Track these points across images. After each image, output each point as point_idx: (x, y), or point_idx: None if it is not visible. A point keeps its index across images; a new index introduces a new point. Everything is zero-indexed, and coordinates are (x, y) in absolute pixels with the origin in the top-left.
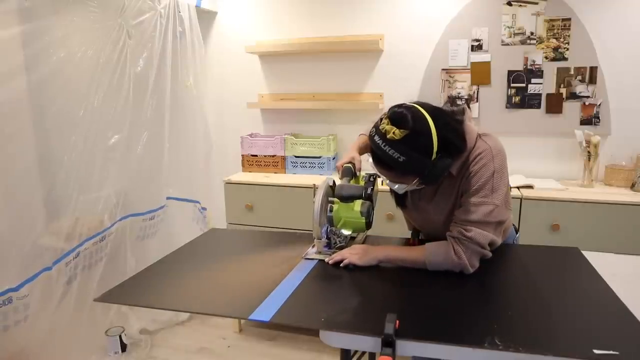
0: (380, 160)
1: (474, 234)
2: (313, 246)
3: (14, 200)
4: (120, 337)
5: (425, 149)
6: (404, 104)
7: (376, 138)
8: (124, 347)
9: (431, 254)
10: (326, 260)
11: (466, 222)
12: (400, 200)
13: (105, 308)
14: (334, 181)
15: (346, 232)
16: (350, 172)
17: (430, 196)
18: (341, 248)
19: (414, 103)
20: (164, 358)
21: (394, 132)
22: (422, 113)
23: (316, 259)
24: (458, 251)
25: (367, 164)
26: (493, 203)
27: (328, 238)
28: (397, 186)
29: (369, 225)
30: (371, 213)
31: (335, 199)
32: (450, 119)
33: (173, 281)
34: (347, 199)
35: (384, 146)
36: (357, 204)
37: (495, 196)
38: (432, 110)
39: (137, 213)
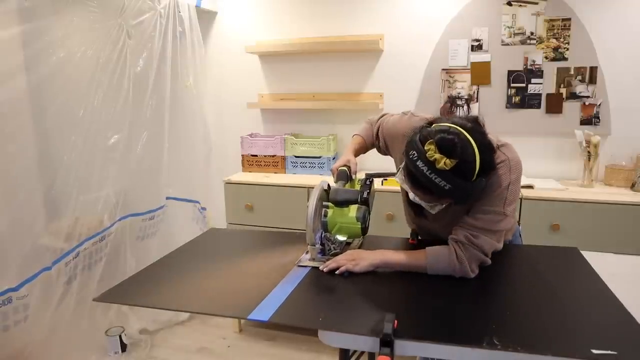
0: (421, 185)
1: (481, 241)
2: (307, 252)
3: (13, 200)
4: (120, 337)
5: (469, 175)
6: (450, 127)
7: (420, 164)
8: (124, 347)
9: (433, 259)
10: (320, 267)
11: (474, 228)
12: (419, 211)
13: (105, 308)
14: (328, 185)
15: (341, 238)
16: (345, 175)
17: (447, 205)
18: (336, 254)
19: (455, 123)
20: (164, 358)
21: (444, 163)
22: (468, 139)
23: (309, 266)
24: (460, 257)
25: (363, 164)
26: (504, 213)
27: (322, 244)
28: (430, 205)
29: (364, 230)
30: (367, 218)
31: (330, 204)
32: (486, 138)
33: (173, 281)
34: (342, 203)
35: (430, 174)
36: (353, 209)
37: (507, 207)
38: (473, 132)
39: (137, 213)
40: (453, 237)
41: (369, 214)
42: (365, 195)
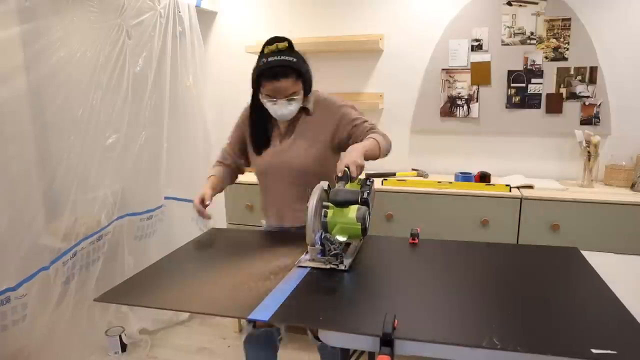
0: (279, 71)
1: (371, 124)
2: (306, 253)
3: (12, 200)
4: (120, 337)
5: (302, 56)
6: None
7: (271, 59)
8: (124, 347)
9: (380, 141)
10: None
11: (361, 123)
12: (262, 141)
13: (104, 308)
14: (328, 185)
15: (341, 238)
16: (345, 175)
17: (289, 137)
18: (336, 255)
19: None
20: (164, 358)
21: (282, 44)
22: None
23: (309, 267)
24: (385, 136)
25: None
26: (350, 106)
27: (322, 245)
28: (289, 105)
29: (365, 231)
30: (367, 219)
31: (330, 204)
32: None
33: (173, 281)
34: (343, 204)
35: (280, 57)
36: (353, 210)
37: (344, 102)
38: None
39: (135, 213)
40: (367, 136)
41: (370, 214)
42: (365, 195)
